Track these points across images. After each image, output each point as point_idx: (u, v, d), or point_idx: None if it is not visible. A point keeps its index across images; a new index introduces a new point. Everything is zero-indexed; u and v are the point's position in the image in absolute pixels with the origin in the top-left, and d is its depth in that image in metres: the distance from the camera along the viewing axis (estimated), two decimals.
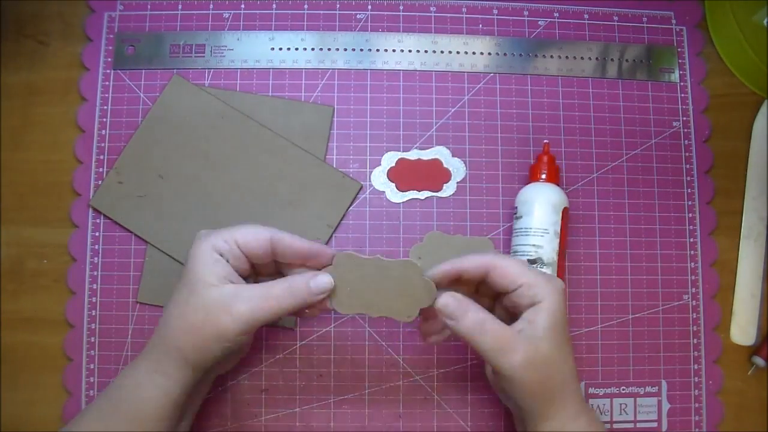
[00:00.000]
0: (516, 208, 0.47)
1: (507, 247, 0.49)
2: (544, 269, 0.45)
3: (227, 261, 0.38)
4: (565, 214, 0.47)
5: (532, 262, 0.45)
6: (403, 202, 0.50)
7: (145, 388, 0.38)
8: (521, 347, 0.37)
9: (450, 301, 0.38)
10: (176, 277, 0.39)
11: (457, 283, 0.40)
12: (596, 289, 0.50)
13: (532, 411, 0.38)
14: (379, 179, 0.50)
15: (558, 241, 0.46)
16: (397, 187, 0.50)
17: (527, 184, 0.48)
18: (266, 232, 0.39)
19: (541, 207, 0.46)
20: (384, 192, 0.50)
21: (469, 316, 0.37)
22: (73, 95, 0.50)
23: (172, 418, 0.38)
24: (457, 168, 0.51)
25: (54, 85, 0.51)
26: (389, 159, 0.50)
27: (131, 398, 0.38)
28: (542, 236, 0.45)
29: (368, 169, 0.50)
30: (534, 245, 0.45)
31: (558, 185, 0.47)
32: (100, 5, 0.51)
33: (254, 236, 0.38)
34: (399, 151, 0.51)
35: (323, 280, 0.38)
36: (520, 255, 0.46)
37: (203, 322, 0.37)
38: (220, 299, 0.37)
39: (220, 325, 0.36)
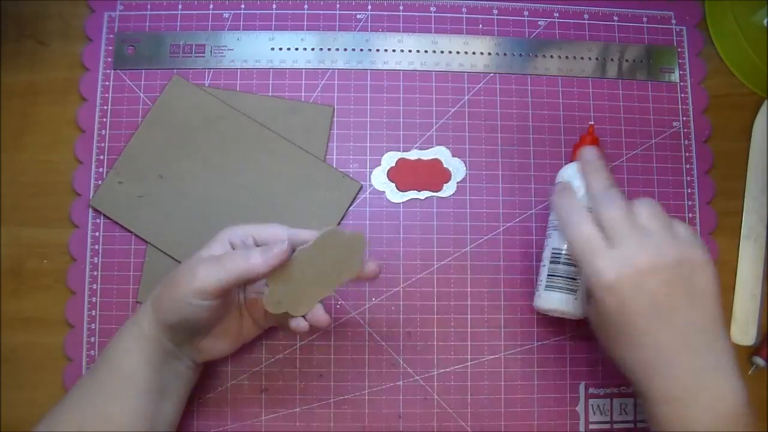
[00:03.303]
0: (558, 184, 0.47)
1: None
2: None
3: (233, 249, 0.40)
4: None
5: None
6: (403, 202, 0.50)
7: (124, 339, 0.40)
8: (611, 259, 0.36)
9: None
10: None
11: None
12: None
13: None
14: (379, 179, 0.50)
15: None
16: (397, 187, 0.50)
17: (570, 161, 0.47)
18: (283, 232, 0.40)
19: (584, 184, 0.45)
20: (384, 192, 0.50)
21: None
22: (73, 95, 0.50)
23: (148, 381, 0.39)
24: (457, 168, 0.51)
25: (54, 85, 0.51)
26: (389, 159, 0.50)
27: (114, 348, 0.40)
28: None
29: (368, 169, 0.50)
30: None
31: None
32: (100, 5, 0.51)
33: (271, 234, 0.40)
34: (399, 151, 0.51)
35: (278, 246, 0.37)
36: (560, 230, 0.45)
37: (171, 276, 0.39)
38: (189, 261, 0.39)
39: (176, 279, 0.38)
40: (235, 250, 0.39)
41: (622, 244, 0.37)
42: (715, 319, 0.36)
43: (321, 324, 0.40)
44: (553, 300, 0.45)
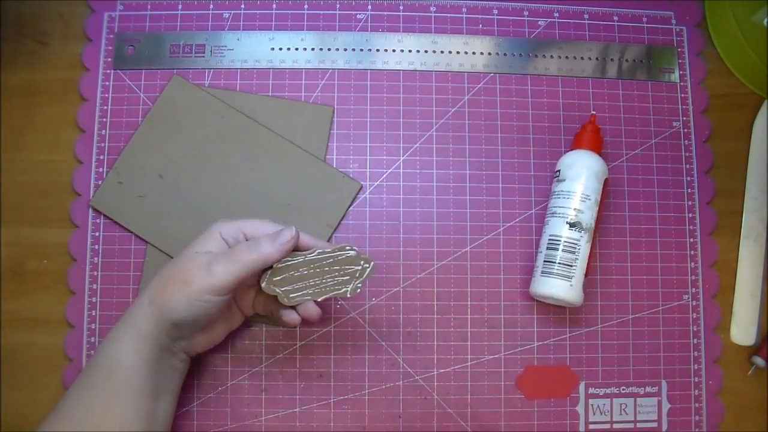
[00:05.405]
0: (558, 171, 0.48)
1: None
2: (582, 234, 0.45)
3: (227, 245, 0.41)
4: (606, 185, 0.47)
5: (572, 225, 0.45)
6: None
7: (118, 340, 0.39)
8: None
9: None
10: None
11: None
12: (596, 289, 0.50)
13: None
14: None
15: (596, 210, 0.46)
16: None
17: (571, 150, 0.48)
18: (272, 228, 0.41)
19: (586, 173, 0.46)
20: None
21: None
22: (73, 95, 0.50)
23: (145, 382, 0.39)
24: None
25: (54, 85, 0.51)
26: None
27: (107, 352, 0.40)
28: (584, 201, 0.46)
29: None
30: (575, 209, 0.46)
31: (601, 156, 0.48)
32: (100, 5, 0.51)
33: (261, 230, 0.41)
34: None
35: (287, 232, 0.40)
36: (560, 217, 0.46)
37: (176, 273, 0.39)
38: (197, 259, 0.39)
39: (188, 276, 0.38)
40: (243, 244, 0.40)
41: None
42: None
43: (311, 317, 0.42)
44: (549, 286, 0.45)
